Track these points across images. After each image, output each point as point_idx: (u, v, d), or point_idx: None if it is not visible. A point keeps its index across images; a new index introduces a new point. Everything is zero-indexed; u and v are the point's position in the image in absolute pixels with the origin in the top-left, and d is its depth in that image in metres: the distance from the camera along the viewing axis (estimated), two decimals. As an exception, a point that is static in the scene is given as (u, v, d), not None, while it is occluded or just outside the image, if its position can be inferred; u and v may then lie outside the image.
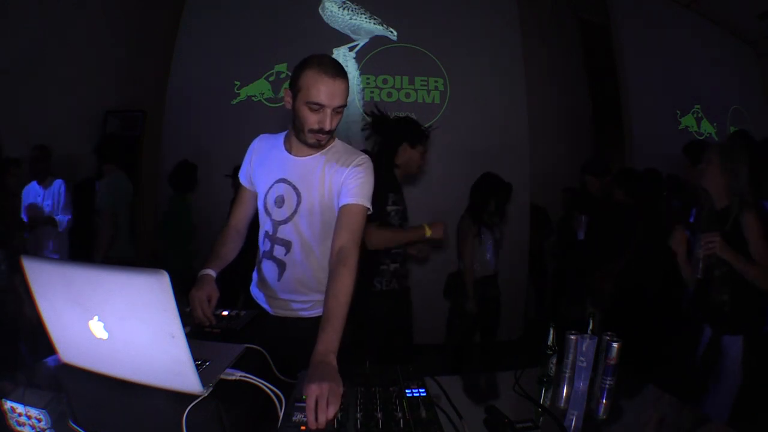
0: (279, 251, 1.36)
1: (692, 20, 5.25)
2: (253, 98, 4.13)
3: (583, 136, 5.16)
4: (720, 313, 1.75)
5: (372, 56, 4.16)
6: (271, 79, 4.16)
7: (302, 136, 1.28)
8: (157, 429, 0.85)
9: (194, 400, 0.81)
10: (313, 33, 4.15)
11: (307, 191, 1.31)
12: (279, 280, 1.37)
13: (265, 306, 1.42)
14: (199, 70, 4.13)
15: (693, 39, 5.19)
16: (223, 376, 0.90)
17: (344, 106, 1.25)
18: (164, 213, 3.63)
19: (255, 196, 1.43)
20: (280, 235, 1.35)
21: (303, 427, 0.85)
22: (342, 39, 4.17)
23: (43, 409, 0.90)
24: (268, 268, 1.39)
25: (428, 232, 2.00)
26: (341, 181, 1.28)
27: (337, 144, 1.37)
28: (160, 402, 0.84)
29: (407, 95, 4.12)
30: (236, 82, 4.14)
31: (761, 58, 5.84)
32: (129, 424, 0.87)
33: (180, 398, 0.82)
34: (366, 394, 0.98)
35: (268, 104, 4.15)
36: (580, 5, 5.16)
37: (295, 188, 1.32)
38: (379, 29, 4.19)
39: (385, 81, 4.13)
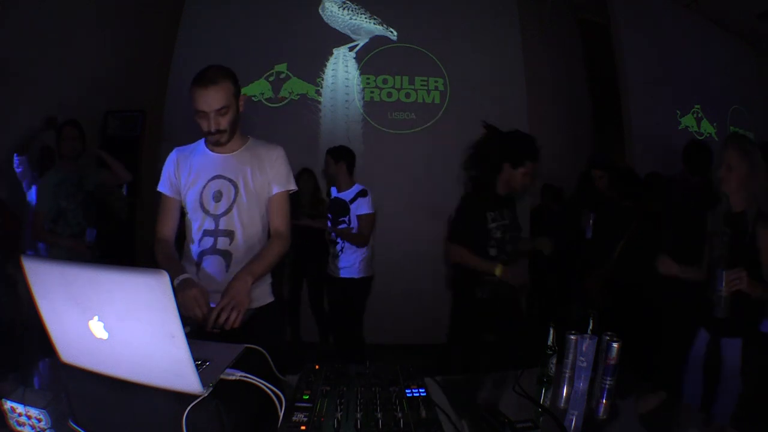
0: (223, 242, 1.46)
1: (692, 20, 5.25)
2: (253, 98, 4.13)
3: (583, 136, 5.15)
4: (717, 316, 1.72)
5: (372, 56, 4.16)
6: (270, 79, 4.16)
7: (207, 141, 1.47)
8: (157, 429, 0.84)
9: (194, 400, 0.81)
10: (313, 33, 4.15)
11: (243, 181, 1.46)
12: (227, 271, 1.44)
13: (211, 305, 1.40)
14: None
15: (693, 39, 5.18)
16: (223, 376, 0.90)
17: (226, 107, 1.38)
18: None
19: (180, 204, 1.52)
20: (222, 227, 1.46)
21: (303, 427, 0.85)
22: (342, 39, 4.17)
23: (43, 409, 0.89)
24: (213, 264, 1.46)
25: (498, 272, 2.03)
26: (267, 171, 1.48)
27: (252, 140, 1.54)
28: (160, 402, 0.83)
29: (407, 95, 4.12)
30: (236, 82, 4.15)
31: (761, 58, 5.84)
32: (129, 424, 0.87)
33: (180, 398, 0.82)
34: (366, 394, 0.98)
35: (268, 104, 4.14)
36: (580, 5, 5.15)
37: (231, 181, 1.46)
38: (379, 29, 4.19)
39: (385, 81, 4.13)
